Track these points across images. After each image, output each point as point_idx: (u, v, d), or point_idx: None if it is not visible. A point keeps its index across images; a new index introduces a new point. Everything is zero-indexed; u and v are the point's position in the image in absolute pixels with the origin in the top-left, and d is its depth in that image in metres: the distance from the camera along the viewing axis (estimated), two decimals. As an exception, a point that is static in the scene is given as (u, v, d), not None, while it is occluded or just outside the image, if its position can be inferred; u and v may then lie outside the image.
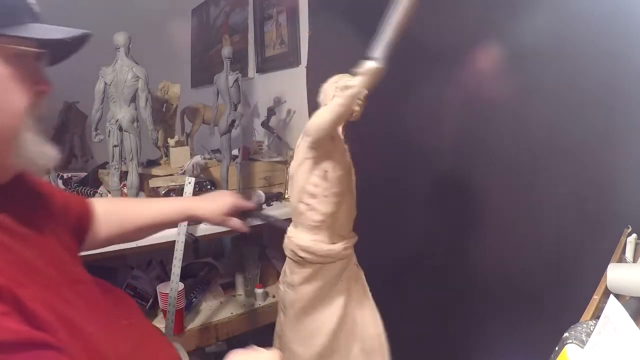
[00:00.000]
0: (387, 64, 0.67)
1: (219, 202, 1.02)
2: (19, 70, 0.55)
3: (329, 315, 0.90)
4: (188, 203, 1.02)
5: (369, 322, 0.94)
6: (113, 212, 0.91)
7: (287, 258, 0.91)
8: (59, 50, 0.61)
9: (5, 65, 0.54)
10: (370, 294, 0.95)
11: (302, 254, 0.86)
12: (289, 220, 1.11)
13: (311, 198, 0.84)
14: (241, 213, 1.08)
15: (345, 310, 0.91)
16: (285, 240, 0.89)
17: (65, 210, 0.76)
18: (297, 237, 0.86)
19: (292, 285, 0.89)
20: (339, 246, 0.87)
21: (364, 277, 0.94)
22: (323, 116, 0.77)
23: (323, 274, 0.88)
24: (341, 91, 0.75)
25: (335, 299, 0.90)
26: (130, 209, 0.95)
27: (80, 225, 0.83)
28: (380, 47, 0.67)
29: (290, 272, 0.89)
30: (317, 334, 0.89)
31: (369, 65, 0.69)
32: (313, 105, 0.89)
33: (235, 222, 1.05)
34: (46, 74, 0.61)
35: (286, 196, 1.72)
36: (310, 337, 0.90)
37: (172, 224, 1.02)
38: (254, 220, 1.09)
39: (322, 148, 0.82)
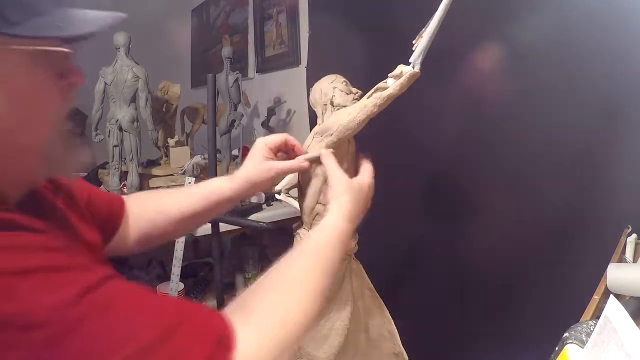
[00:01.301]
0: (423, 69, 0.70)
1: (252, 154, 0.80)
2: (45, 69, 0.46)
3: (342, 313, 0.90)
4: (229, 182, 0.80)
5: (373, 311, 0.94)
6: (152, 208, 0.78)
7: None
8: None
9: (29, 69, 0.45)
10: (371, 285, 0.95)
11: None
12: (273, 223, 1.10)
13: None
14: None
15: (353, 304, 0.92)
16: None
17: (88, 205, 0.68)
18: None
19: None
20: (353, 242, 0.89)
21: (362, 269, 0.95)
22: (353, 115, 0.76)
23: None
24: (375, 92, 0.75)
25: (344, 296, 0.91)
26: (171, 201, 0.80)
27: (108, 224, 0.73)
28: (417, 53, 0.69)
29: None
30: (333, 333, 0.90)
31: (407, 69, 0.71)
32: (313, 105, 0.89)
33: (282, 165, 0.81)
34: (75, 62, 0.50)
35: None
36: (327, 338, 0.90)
37: (216, 211, 0.82)
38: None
39: (341, 148, 0.82)
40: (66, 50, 0.47)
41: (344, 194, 0.70)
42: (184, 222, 0.80)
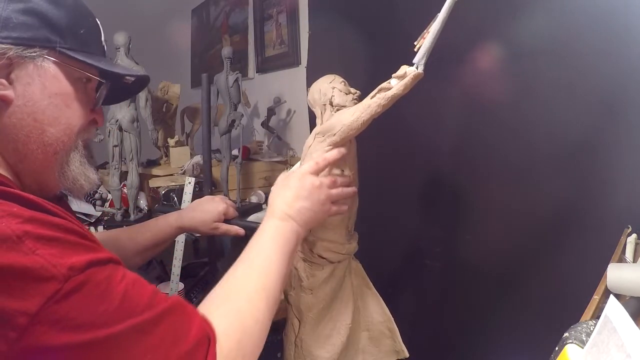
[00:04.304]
0: (426, 70, 0.70)
1: (208, 211, 1.04)
2: (81, 93, 0.61)
3: (344, 312, 0.90)
4: (177, 216, 1.03)
5: (373, 310, 0.94)
6: (112, 244, 0.88)
7: (302, 262, 0.90)
8: (118, 90, 0.67)
9: (71, 85, 0.59)
10: (371, 284, 0.95)
11: (326, 255, 0.86)
12: None
13: None
14: (226, 221, 1.09)
15: (354, 303, 0.92)
16: (303, 244, 0.88)
17: None
18: (317, 238, 0.86)
19: (311, 288, 0.88)
20: (353, 242, 0.89)
21: (361, 268, 0.95)
22: (357, 115, 0.76)
23: (337, 273, 0.89)
24: (379, 92, 0.75)
25: (346, 295, 0.91)
26: (127, 237, 0.95)
27: None
28: (421, 54, 0.69)
29: (308, 276, 0.89)
30: (336, 333, 0.90)
31: (411, 70, 0.71)
32: (313, 105, 0.89)
33: (227, 227, 1.06)
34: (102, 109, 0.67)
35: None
36: (330, 337, 0.90)
37: (169, 240, 1.04)
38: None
39: (343, 148, 0.82)
40: (100, 79, 0.62)
41: (272, 194, 0.77)
42: (142, 255, 0.98)
